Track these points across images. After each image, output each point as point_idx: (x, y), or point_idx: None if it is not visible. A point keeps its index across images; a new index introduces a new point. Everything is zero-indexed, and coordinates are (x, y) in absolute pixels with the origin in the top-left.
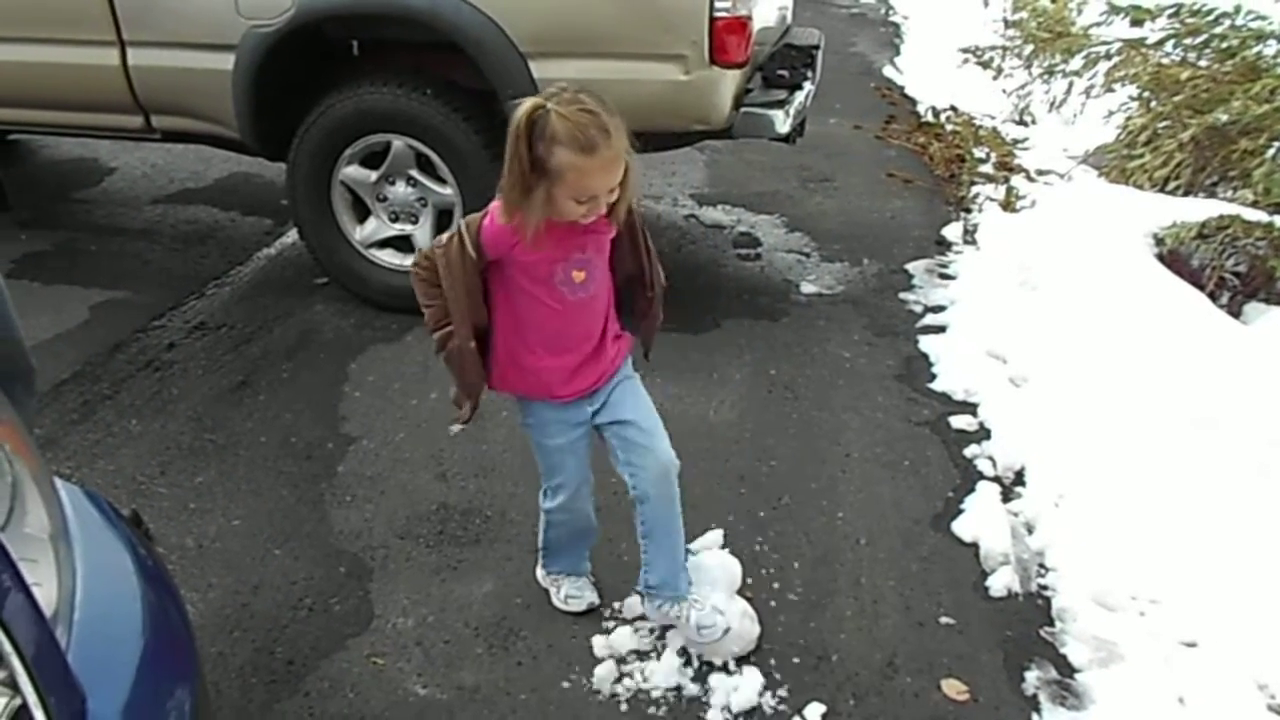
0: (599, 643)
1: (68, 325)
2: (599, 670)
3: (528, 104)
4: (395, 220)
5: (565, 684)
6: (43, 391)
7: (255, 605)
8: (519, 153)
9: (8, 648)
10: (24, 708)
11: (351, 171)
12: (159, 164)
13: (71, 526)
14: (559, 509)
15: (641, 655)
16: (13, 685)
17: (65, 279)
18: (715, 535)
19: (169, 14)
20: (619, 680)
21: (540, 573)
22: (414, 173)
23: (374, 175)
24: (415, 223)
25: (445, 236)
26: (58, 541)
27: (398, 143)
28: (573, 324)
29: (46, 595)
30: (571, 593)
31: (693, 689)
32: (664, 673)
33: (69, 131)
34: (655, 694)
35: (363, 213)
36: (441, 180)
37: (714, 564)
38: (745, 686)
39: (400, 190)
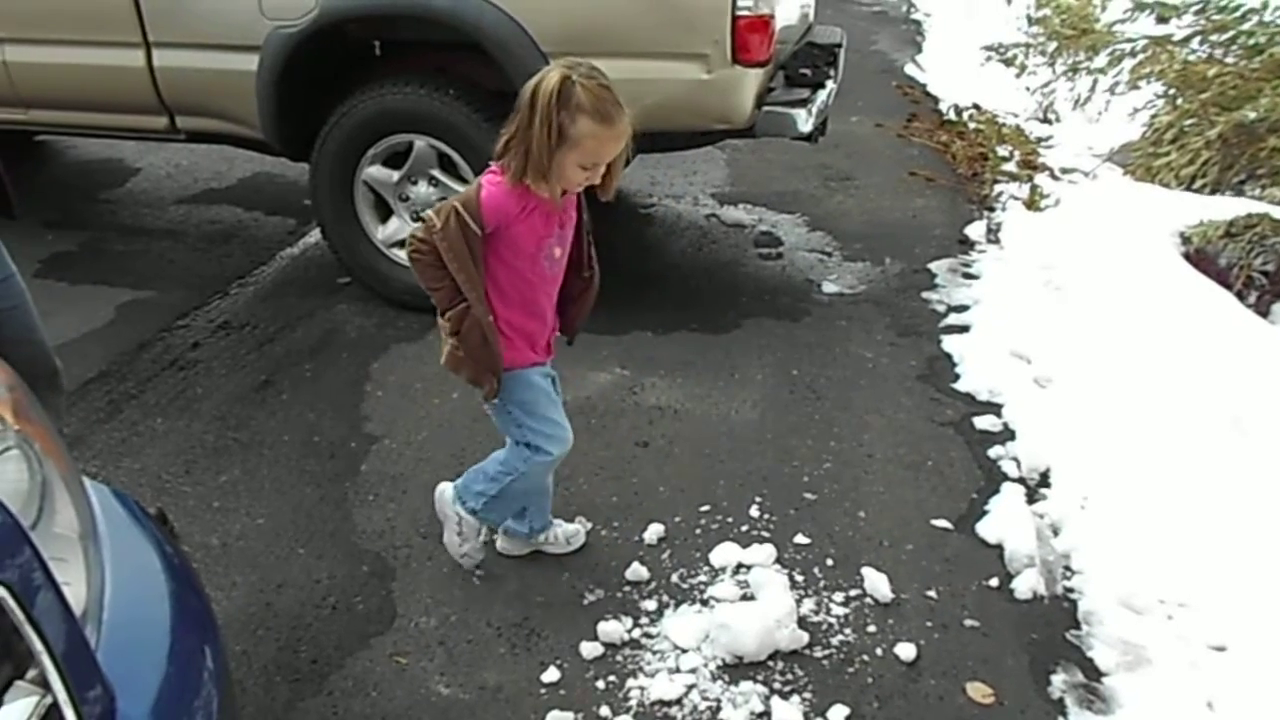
0: (621, 643)
1: (94, 325)
2: (622, 671)
3: (555, 74)
4: (418, 220)
5: (588, 685)
6: (69, 391)
7: (279, 604)
8: (549, 119)
9: (39, 646)
10: (54, 706)
11: (374, 171)
12: (183, 164)
13: (100, 526)
14: (547, 464)
15: (664, 656)
16: (44, 684)
17: (91, 279)
18: (768, 550)
19: (194, 15)
20: (641, 681)
21: (460, 507)
22: (436, 173)
23: (396, 175)
24: None
25: (435, 219)
26: (87, 541)
27: (420, 143)
28: (544, 295)
29: (76, 594)
30: (473, 549)
31: (715, 690)
32: (687, 674)
33: (95, 132)
34: (678, 695)
35: (385, 212)
36: (464, 180)
37: (742, 627)
38: (769, 689)
39: (422, 190)
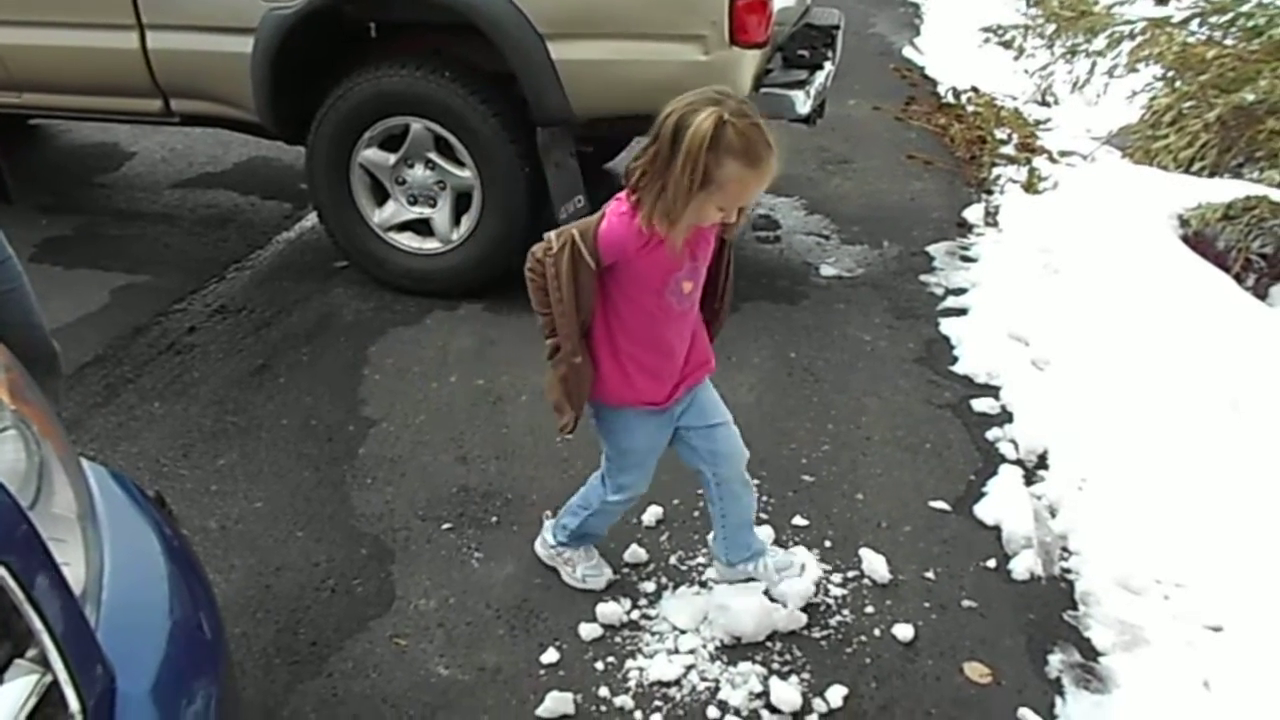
0: (620, 624)
1: (89, 309)
2: (621, 652)
3: (708, 115)
4: (414, 203)
5: (587, 666)
6: (66, 375)
7: (278, 587)
8: (699, 162)
9: (38, 625)
10: (55, 685)
11: (370, 154)
12: (178, 148)
13: (99, 507)
14: (621, 503)
15: (663, 637)
16: (44, 663)
17: (86, 263)
18: (766, 532)
19: None
20: (640, 662)
21: (547, 550)
22: (432, 155)
23: (393, 158)
24: (434, 206)
25: (553, 242)
26: (85, 522)
27: (416, 125)
28: (672, 332)
29: (75, 575)
30: (589, 571)
31: (714, 671)
32: (686, 655)
33: (89, 116)
34: (677, 675)
35: (381, 196)
36: (460, 163)
37: (740, 608)
38: (767, 669)
39: (419, 173)
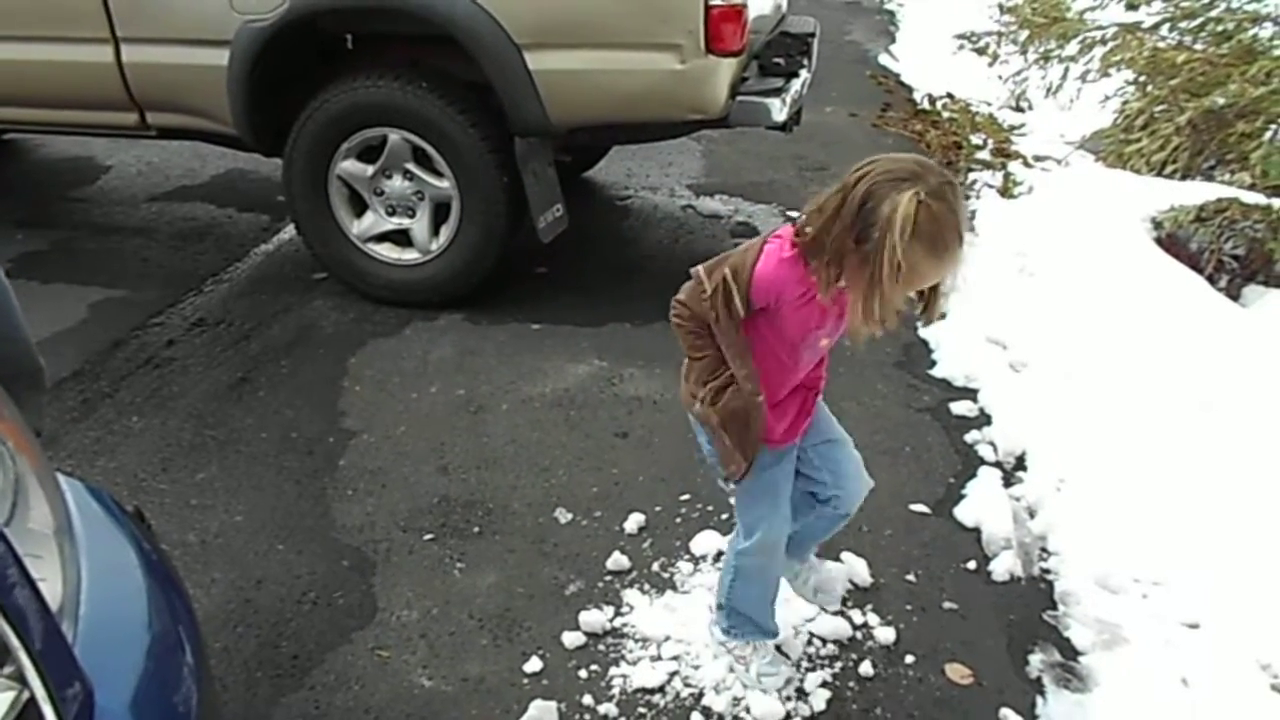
0: (603, 632)
1: (67, 324)
2: (604, 660)
3: (908, 199)
4: (392, 214)
5: (570, 674)
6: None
7: (259, 600)
8: (895, 246)
9: (15, 642)
10: (32, 701)
11: (348, 166)
12: (155, 161)
13: (75, 522)
14: (754, 550)
15: (646, 645)
16: (21, 679)
17: (63, 278)
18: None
19: (163, 10)
20: (624, 670)
21: (721, 636)
22: (410, 166)
23: (370, 169)
24: (412, 216)
25: (706, 282)
26: (62, 536)
27: (394, 136)
28: (799, 378)
29: (52, 590)
30: (766, 670)
31: (698, 677)
32: (669, 661)
33: (65, 130)
34: (660, 682)
35: (360, 207)
36: (438, 174)
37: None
38: (748, 673)
39: (397, 184)
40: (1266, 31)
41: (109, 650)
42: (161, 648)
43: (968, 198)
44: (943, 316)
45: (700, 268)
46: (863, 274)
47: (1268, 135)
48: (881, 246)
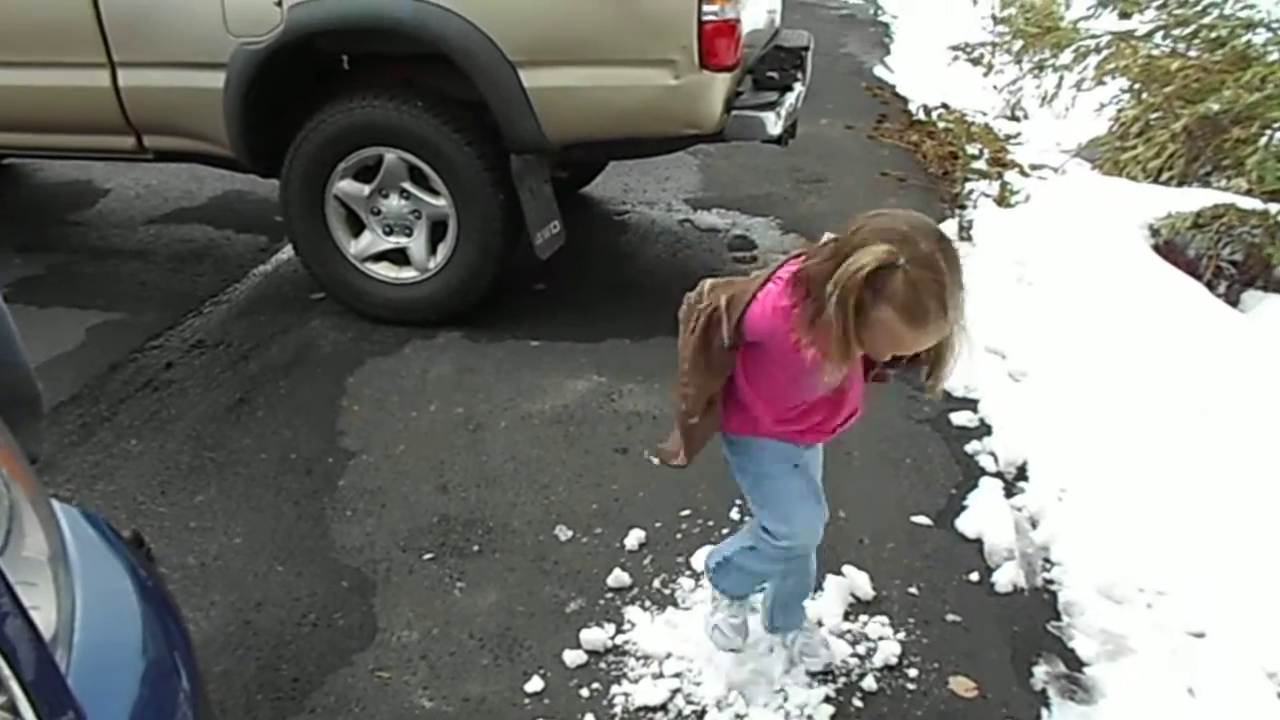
0: (604, 650)
1: (65, 348)
2: (606, 678)
3: (880, 252)
4: (390, 233)
5: (572, 693)
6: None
7: (259, 622)
8: (848, 303)
9: (6, 672)
10: None
11: (345, 186)
12: (153, 184)
13: (70, 549)
14: (776, 551)
15: (648, 662)
16: (12, 710)
17: (61, 302)
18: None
19: (158, 34)
20: (625, 688)
21: (706, 575)
22: (407, 185)
23: (367, 189)
24: (409, 235)
25: (705, 296)
26: (56, 564)
27: (390, 156)
28: (810, 406)
29: (45, 618)
30: (722, 625)
31: (700, 694)
32: (671, 679)
33: (63, 154)
34: (663, 700)
35: (357, 227)
36: (435, 192)
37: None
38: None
39: (394, 203)
40: (1260, 37)
41: (103, 677)
42: (157, 674)
43: (964, 207)
44: (943, 396)
45: (711, 280)
46: (842, 329)
47: (1263, 141)
48: (846, 293)
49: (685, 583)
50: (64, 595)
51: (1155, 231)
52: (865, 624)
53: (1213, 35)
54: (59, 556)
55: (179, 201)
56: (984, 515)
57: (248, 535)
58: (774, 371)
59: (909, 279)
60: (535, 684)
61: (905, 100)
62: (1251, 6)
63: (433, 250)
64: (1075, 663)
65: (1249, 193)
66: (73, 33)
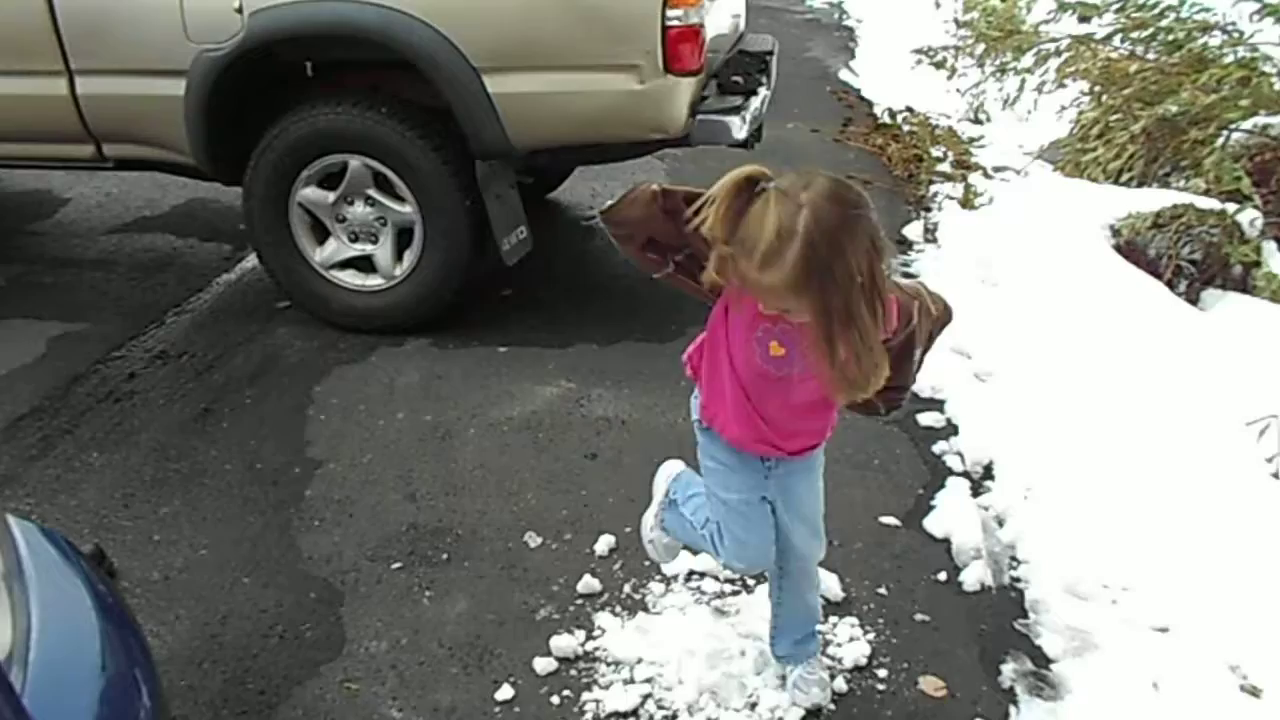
0: (575, 657)
1: (24, 360)
2: (576, 685)
3: (765, 171)
4: (355, 240)
5: (542, 700)
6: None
7: (225, 636)
8: (725, 188)
9: None
10: None
11: (309, 193)
12: (114, 193)
13: (26, 565)
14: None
15: (619, 668)
16: None
17: (21, 313)
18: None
19: (116, 41)
20: (596, 694)
21: (649, 518)
22: (372, 192)
23: (332, 196)
24: (375, 242)
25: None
26: (11, 581)
27: (354, 163)
28: (758, 398)
29: (0, 638)
30: (659, 544)
31: (670, 698)
32: (642, 684)
33: (20, 163)
34: (634, 706)
35: (322, 234)
36: (400, 199)
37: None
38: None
39: (359, 210)
40: (1215, 40)
41: (61, 696)
42: (116, 691)
43: (929, 210)
44: (886, 411)
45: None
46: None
47: (1220, 141)
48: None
49: (656, 588)
50: (19, 613)
51: (1116, 232)
52: (835, 625)
53: (1170, 38)
54: (14, 573)
55: (141, 210)
56: (951, 515)
57: (213, 547)
58: (732, 340)
59: (766, 198)
60: (505, 692)
61: (870, 104)
62: (1207, 10)
63: (399, 257)
64: (1042, 660)
65: (1207, 193)
66: (28, 40)
